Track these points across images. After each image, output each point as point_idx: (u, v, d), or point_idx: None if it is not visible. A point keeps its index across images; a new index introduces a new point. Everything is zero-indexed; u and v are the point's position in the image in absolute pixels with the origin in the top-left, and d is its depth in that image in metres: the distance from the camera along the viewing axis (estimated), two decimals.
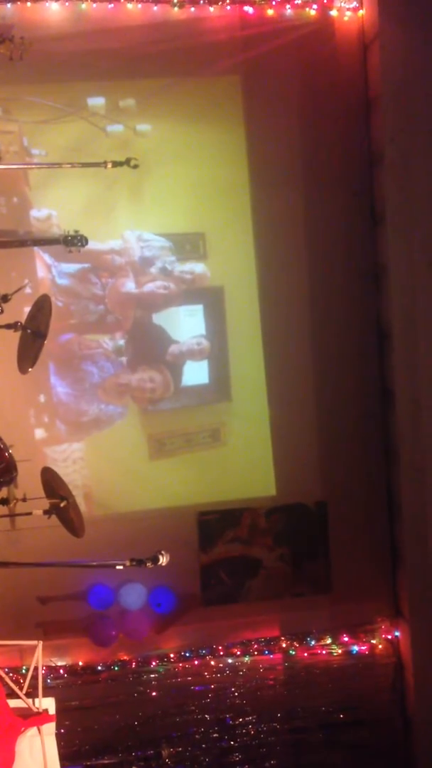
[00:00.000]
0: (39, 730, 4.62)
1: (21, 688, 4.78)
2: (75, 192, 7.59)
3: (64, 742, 6.17)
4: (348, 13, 7.75)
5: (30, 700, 4.68)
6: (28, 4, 7.31)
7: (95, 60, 7.44)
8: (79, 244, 6.77)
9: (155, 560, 4.74)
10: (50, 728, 4.69)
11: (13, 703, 4.65)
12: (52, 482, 6.39)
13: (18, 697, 4.67)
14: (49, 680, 7.26)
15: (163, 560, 4.79)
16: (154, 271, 7.81)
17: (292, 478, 7.99)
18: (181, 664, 7.72)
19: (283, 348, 7.95)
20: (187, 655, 7.74)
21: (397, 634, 8.00)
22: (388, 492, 8.01)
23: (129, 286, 7.81)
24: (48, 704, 4.73)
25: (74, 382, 7.73)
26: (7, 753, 4.48)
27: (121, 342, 7.78)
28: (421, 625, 7.73)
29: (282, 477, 8.00)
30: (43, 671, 5.40)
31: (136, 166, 6.54)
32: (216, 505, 7.91)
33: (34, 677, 4.86)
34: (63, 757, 5.41)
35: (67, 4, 7.38)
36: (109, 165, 6.44)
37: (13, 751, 4.52)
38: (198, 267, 7.84)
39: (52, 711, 4.72)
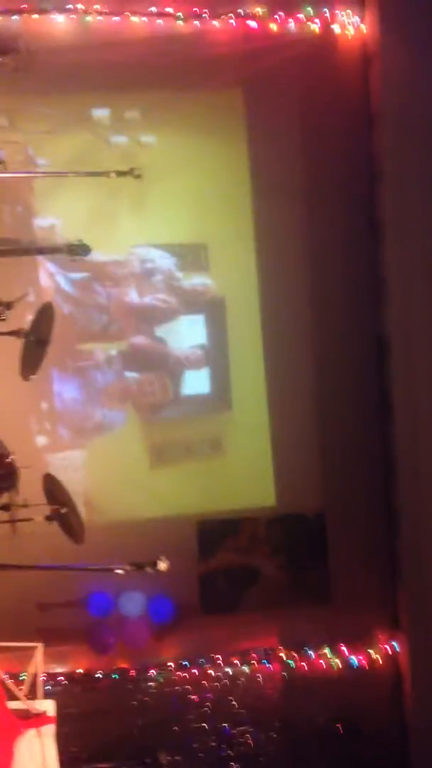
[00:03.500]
0: (38, 731, 4.64)
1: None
2: (79, 202, 7.65)
3: (61, 748, 6.16)
4: (350, 29, 7.83)
5: (30, 702, 4.70)
6: (34, 16, 7.40)
7: (100, 72, 7.51)
8: (82, 253, 6.83)
9: (155, 565, 4.77)
10: (49, 730, 4.71)
11: (12, 705, 4.68)
12: (53, 489, 6.43)
13: (18, 699, 4.69)
14: (48, 687, 7.24)
15: (163, 565, 4.82)
16: (157, 281, 7.88)
17: (292, 489, 8.00)
18: (179, 673, 7.71)
19: (284, 358, 7.99)
20: (186, 664, 7.73)
21: (395, 645, 8.00)
22: (387, 503, 8.03)
23: (132, 296, 7.87)
24: (47, 706, 4.76)
25: (77, 388, 7.78)
26: (7, 754, 4.50)
27: (115, 351, 7.80)
28: (419, 637, 7.73)
29: (282, 487, 8.01)
30: (43, 677, 5.42)
31: (139, 176, 6.60)
32: (215, 514, 7.93)
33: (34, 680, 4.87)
34: (61, 764, 5.41)
35: (72, 16, 7.46)
36: (113, 174, 6.51)
37: (13, 752, 4.54)
38: (207, 281, 7.90)
39: (51, 713, 4.74)
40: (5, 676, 4.92)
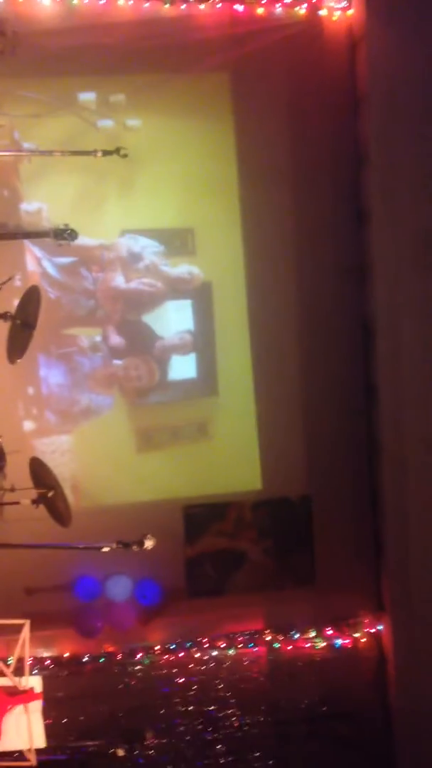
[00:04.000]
0: (25, 707, 4.67)
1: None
2: (65, 186, 7.65)
3: (48, 731, 6.19)
4: (337, 13, 7.84)
5: (17, 679, 4.72)
6: None
7: (86, 55, 7.50)
8: (69, 237, 6.82)
9: (141, 543, 4.80)
10: (36, 706, 4.73)
11: (0, 682, 4.69)
12: (40, 473, 6.43)
13: (5, 676, 4.71)
14: (35, 671, 7.27)
15: (149, 544, 4.85)
16: (143, 267, 7.88)
17: (278, 473, 8.05)
18: (166, 656, 7.76)
19: (270, 343, 8.03)
20: (172, 647, 7.78)
21: (380, 627, 8.06)
22: (372, 486, 8.09)
23: (118, 281, 7.87)
24: (34, 682, 4.78)
25: (64, 373, 7.78)
26: None
27: (101, 336, 7.81)
28: (403, 619, 7.80)
29: (267, 471, 8.06)
30: (30, 660, 5.43)
31: (125, 155, 6.63)
32: (202, 498, 7.96)
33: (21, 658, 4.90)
34: (48, 746, 5.43)
35: None
36: (99, 153, 6.54)
37: (0, 728, 4.56)
38: (193, 265, 7.90)
39: (38, 689, 4.76)
40: None
